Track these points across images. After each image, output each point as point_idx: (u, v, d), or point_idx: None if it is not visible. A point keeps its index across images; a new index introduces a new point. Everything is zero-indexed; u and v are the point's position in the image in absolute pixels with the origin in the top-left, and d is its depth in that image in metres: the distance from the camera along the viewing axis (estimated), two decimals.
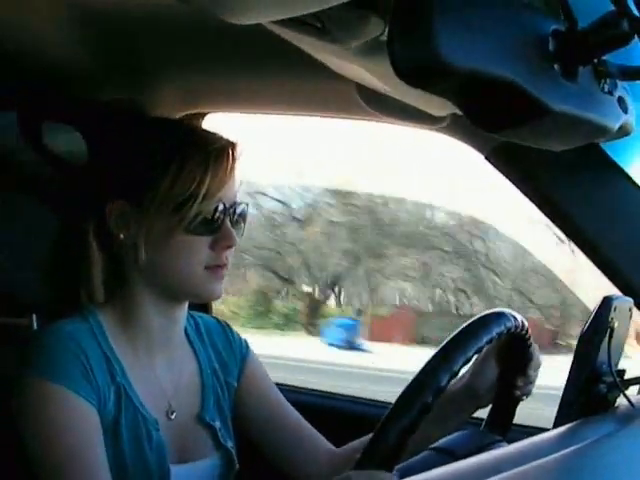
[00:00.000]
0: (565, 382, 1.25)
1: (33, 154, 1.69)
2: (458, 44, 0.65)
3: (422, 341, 12.97)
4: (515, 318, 1.24)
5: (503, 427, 1.37)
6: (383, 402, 2.00)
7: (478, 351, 1.15)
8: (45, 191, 1.61)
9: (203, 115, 1.82)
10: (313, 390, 2.16)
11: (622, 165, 1.39)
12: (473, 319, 1.20)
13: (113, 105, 1.67)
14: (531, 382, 1.38)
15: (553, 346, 11.32)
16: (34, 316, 1.67)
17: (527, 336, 1.31)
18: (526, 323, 1.28)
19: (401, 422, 1.07)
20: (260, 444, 1.53)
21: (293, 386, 2.08)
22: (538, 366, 1.39)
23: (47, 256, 1.43)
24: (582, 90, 0.78)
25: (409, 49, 0.66)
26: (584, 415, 1.15)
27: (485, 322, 1.19)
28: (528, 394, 1.39)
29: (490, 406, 1.42)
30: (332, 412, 1.98)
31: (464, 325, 1.18)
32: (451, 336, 1.16)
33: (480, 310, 1.30)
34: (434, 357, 1.12)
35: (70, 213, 1.41)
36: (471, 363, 1.36)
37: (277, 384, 1.59)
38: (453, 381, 1.13)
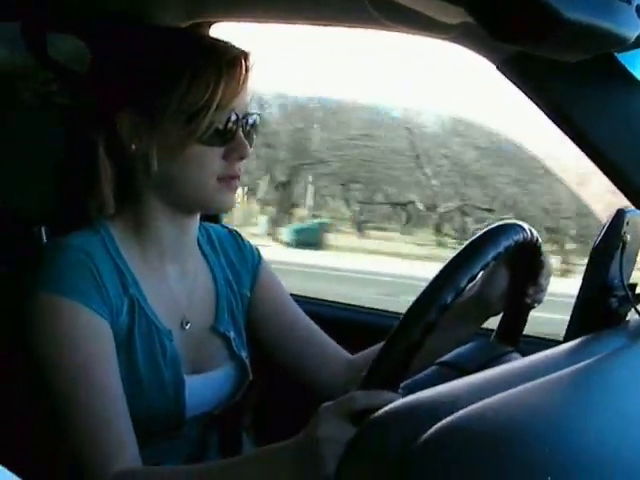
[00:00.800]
0: (576, 295, 1.25)
1: (39, 65, 1.67)
2: None
3: None
4: (523, 229, 1.24)
5: (514, 336, 1.37)
6: (398, 313, 2.02)
7: (484, 267, 1.15)
8: (53, 102, 1.60)
9: (209, 25, 1.79)
10: (328, 301, 2.18)
11: (638, 76, 1.37)
12: (480, 232, 1.19)
13: (118, 14, 1.64)
14: (542, 290, 1.38)
15: None
16: (43, 228, 1.68)
17: (537, 245, 1.31)
18: (535, 233, 1.28)
19: (405, 341, 1.07)
20: (274, 353, 1.55)
21: (308, 297, 2.09)
22: (550, 274, 1.39)
23: (56, 168, 1.43)
24: (598, 0, 0.76)
25: None
26: (595, 329, 1.15)
27: (492, 236, 1.18)
28: (539, 302, 1.39)
29: (500, 315, 1.43)
30: (347, 323, 1.99)
31: (471, 239, 1.18)
32: (457, 251, 1.15)
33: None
34: (440, 274, 1.12)
35: (79, 124, 1.40)
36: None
37: (292, 295, 1.60)
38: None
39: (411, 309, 1.09)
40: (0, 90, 1.61)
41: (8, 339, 1.33)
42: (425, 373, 1.20)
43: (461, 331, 1.42)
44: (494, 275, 1.41)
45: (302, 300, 1.68)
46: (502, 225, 1.21)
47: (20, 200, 1.58)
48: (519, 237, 1.21)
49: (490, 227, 1.20)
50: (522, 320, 1.40)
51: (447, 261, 1.13)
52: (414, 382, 1.15)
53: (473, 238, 1.17)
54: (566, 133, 1.38)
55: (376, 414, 0.78)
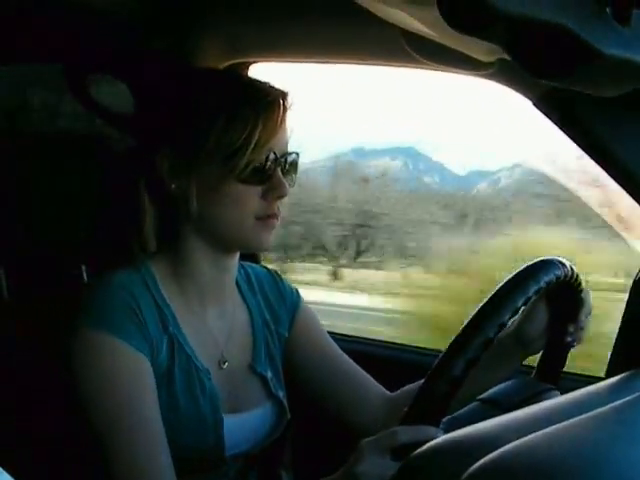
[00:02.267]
0: (617, 331, 1.23)
1: (81, 107, 1.70)
2: None
3: None
4: (564, 265, 1.23)
5: (554, 375, 1.36)
6: (434, 350, 2.01)
7: (526, 302, 1.14)
8: (96, 143, 1.63)
9: (247, 65, 1.82)
10: (365, 338, 2.17)
11: None
12: (520, 268, 1.19)
13: (157, 56, 1.67)
14: (582, 328, 1.37)
15: None
16: (83, 267, 1.70)
17: (577, 282, 1.30)
18: (575, 269, 1.27)
19: (447, 376, 1.07)
20: (312, 392, 1.55)
21: (345, 335, 2.09)
22: (589, 312, 1.37)
23: (98, 208, 1.45)
24: (635, 34, 0.76)
25: None
26: (637, 364, 1.14)
27: (533, 271, 1.18)
28: (580, 341, 1.38)
29: (540, 354, 1.41)
30: (385, 360, 1.99)
31: (511, 275, 1.17)
32: (499, 286, 1.15)
33: None
34: (482, 309, 1.12)
35: (121, 164, 1.42)
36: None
37: (329, 332, 1.60)
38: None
39: (453, 344, 1.09)
40: (45, 132, 1.64)
41: (52, 375, 1.34)
42: (466, 410, 1.19)
43: (500, 369, 1.41)
44: (534, 313, 1.40)
45: (339, 338, 1.68)
46: (542, 261, 1.21)
47: (62, 238, 1.60)
48: (560, 273, 1.21)
49: (530, 262, 1.20)
50: (562, 359, 1.39)
51: (489, 296, 1.13)
52: (455, 418, 1.15)
53: (514, 273, 1.17)
54: (605, 170, 1.37)
55: (418, 451, 0.78)
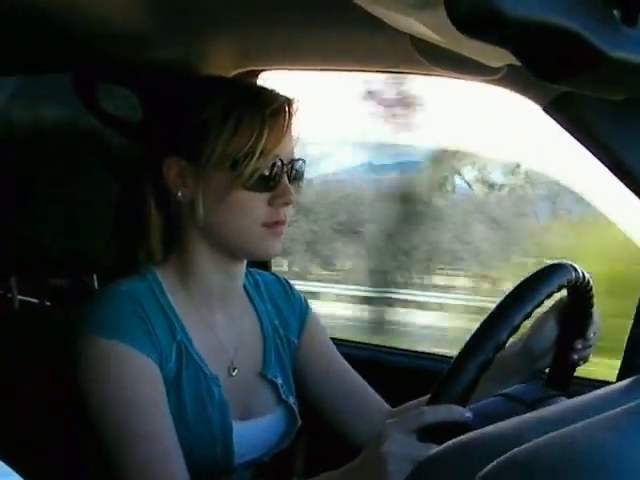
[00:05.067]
0: (628, 335, 1.23)
1: (90, 117, 1.71)
2: None
3: None
4: (576, 270, 1.23)
5: (562, 387, 1.36)
6: (440, 356, 2.01)
7: (538, 305, 1.14)
8: (104, 151, 1.64)
9: (256, 73, 1.82)
10: (369, 344, 2.17)
11: None
12: (533, 271, 1.19)
13: (165, 64, 1.67)
14: (590, 346, 1.37)
15: None
16: (95, 276, 1.70)
17: (589, 290, 1.29)
18: (588, 276, 1.26)
19: (476, 359, 1.07)
20: (317, 402, 1.54)
21: (348, 340, 2.09)
22: (597, 329, 1.37)
23: (108, 216, 1.46)
24: None
25: None
26: None
27: (546, 274, 1.18)
28: (586, 359, 1.38)
29: (547, 370, 1.41)
30: (386, 366, 1.99)
31: (524, 278, 1.18)
32: (511, 289, 1.15)
33: None
34: (496, 310, 1.12)
35: (129, 173, 1.43)
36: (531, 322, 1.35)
37: (332, 338, 1.60)
38: (511, 343, 1.13)
39: (481, 328, 1.09)
40: (55, 143, 1.65)
41: (58, 379, 1.35)
42: (487, 402, 1.19)
43: (508, 382, 1.40)
44: (542, 328, 1.40)
45: (341, 343, 1.68)
46: (556, 264, 1.21)
47: (72, 248, 1.61)
48: (572, 277, 1.21)
49: (544, 265, 1.20)
50: (569, 376, 1.38)
51: (501, 298, 1.14)
52: (477, 407, 1.14)
53: (526, 276, 1.17)
54: (615, 174, 1.36)
55: (436, 450, 0.78)
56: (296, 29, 1.53)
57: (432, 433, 1.03)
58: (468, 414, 1.05)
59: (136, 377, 1.27)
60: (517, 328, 1.11)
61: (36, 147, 1.60)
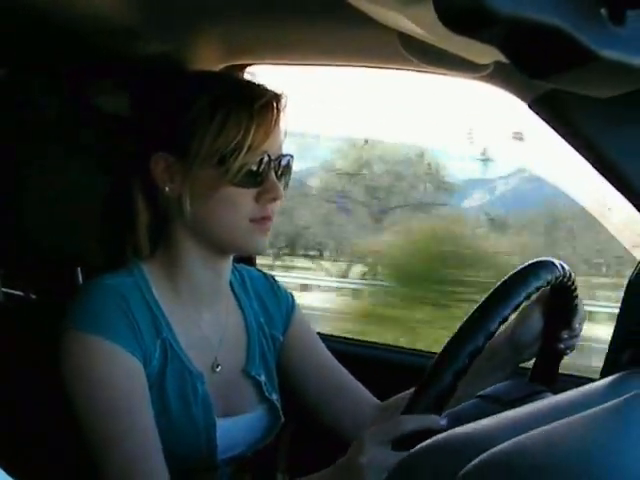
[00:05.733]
0: (612, 331, 1.24)
1: (78, 111, 1.70)
2: None
3: None
4: (563, 267, 1.24)
5: (547, 381, 1.37)
6: (425, 351, 2.02)
7: (527, 297, 1.15)
8: (92, 145, 1.63)
9: (243, 67, 1.82)
10: (355, 340, 2.18)
11: None
12: (522, 266, 1.20)
13: (153, 59, 1.67)
14: (576, 335, 1.37)
15: None
16: (79, 269, 1.70)
17: (573, 287, 1.30)
18: (573, 274, 1.28)
19: (451, 367, 1.07)
20: (304, 398, 1.55)
21: (335, 335, 2.09)
22: (583, 319, 1.38)
23: (94, 210, 1.45)
24: (630, 35, 0.76)
25: None
26: (632, 365, 1.14)
27: (534, 270, 1.19)
28: (572, 348, 1.38)
29: (533, 360, 1.42)
30: (373, 361, 1.99)
31: (513, 272, 1.18)
32: (501, 281, 1.16)
33: None
34: (484, 302, 1.13)
35: (116, 167, 1.43)
36: (516, 313, 1.36)
37: (318, 333, 1.60)
38: (498, 333, 1.14)
39: (458, 335, 1.10)
40: (42, 135, 1.64)
41: (42, 372, 1.34)
42: (465, 405, 1.20)
43: (493, 375, 1.41)
44: (528, 319, 1.40)
45: (328, 338, 1.68)
46: (543, 260, 1.22)
47: (57, 241, 1.60)
48: (559, 273, 1.22)
49: (532, 261, 1.21)
50: (555, 366, 1.39)
51: (491, 290, 1.15)
52: (456, 411, 1.15)
53: (515, 271, 1.19)
54: (598, 170, 1.37)
55: (414, 449, 0.78)
56: (283, 23, 1.52)
57: (408, 443, 1.03)
58: (443, 422, 1.06)
59: (119, 373, 1.26)
60: (506, 319, 1.12)
61: (21, 141, 1.59)
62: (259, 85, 1.36)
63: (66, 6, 1.40)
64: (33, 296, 1.80)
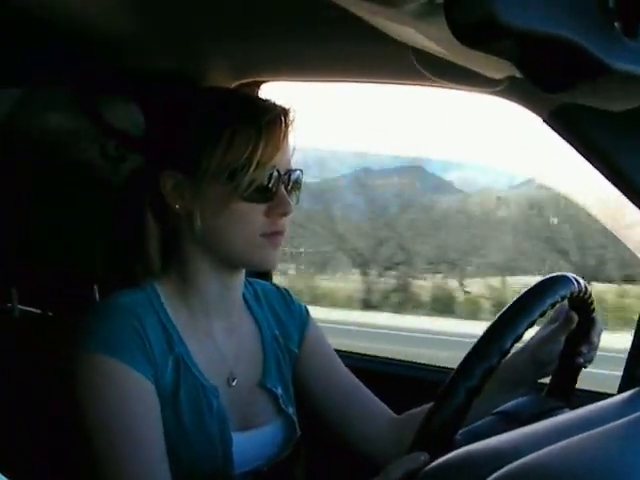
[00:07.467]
0: (630, 347, 1.23)
1: (88, 130, 1.72)
2: (516, 3, 0.64)
3: None
4: (579, 282, 1.23)
5: (565, 394, 1.36)
6: (442, 367, 2.01)
7: (542, 314, 1.15)
8: (104, 163, 1.64)
9: (259, 84, 1.82)
10: (371, 355, 2.18)
11: None
12: (537, 282, 1.20)
13: (168, 76, 1.68)
14: (594, 349, 1.37)
15: None
16: (96, 287, 1.70)
17: (590, 300, 1.30)
18: (589, 288, 1.27)
19: (464, 385, 1.07)
20: (320, 411, 1.54)
21: (351, 352, 2.09)
22: (600, 332, 1.37)
23: (109, 228, 1.46)
24: None
25: (466, 10, 0.65)
26: None
27: (550, 285, 1.19)
28: (591, 361, 1.38)
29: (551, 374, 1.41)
30: (390, 377, 1.99)
31: (528, 288, 1.18)
32: (515, 299, 1.16)
33: None
34: (499, 320, 1.12)
35: (127, 186, 1.43)
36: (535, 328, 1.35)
37: (336, 350, 1.60)
38: (518, 350, 1.13)
39: (472, 352, 1.09)
40: (52, 154, 1.65)
41: (58, 389, 1.34)
42: (481, 423, 1.19)
43: (514, 389, 1.40)
44: (550, 341, 1.40)
45: (345, 355, 1.68)
46: (559, 275, 1.21)
47: (74, 260, 1.61)
48: (575, 288, 1.21)
49: (547, 277, 1.20)
50: (573, 379, 1.39)
51: (505, 307, 1.14)
52: (471, 429, 1.14)
53: (530, 287, 1.18)
54: (615, 185, 1.37)
55: (432, 465, 0.78)
56: (298, 40, 1.53)
57: None
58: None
59: (130, 395, 1.26)
60: (521, 337, 1.11)
61: (36, 159, 1.60)
62: (266, 100, 1.36)
63: (81, 21, 1.41)
64: (50, 313, 1.81)
